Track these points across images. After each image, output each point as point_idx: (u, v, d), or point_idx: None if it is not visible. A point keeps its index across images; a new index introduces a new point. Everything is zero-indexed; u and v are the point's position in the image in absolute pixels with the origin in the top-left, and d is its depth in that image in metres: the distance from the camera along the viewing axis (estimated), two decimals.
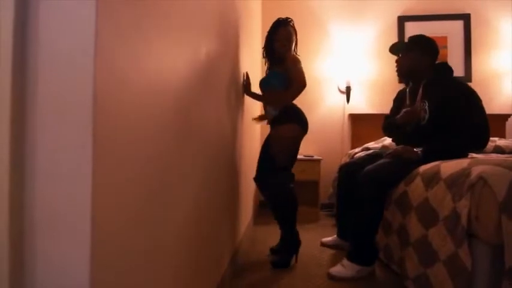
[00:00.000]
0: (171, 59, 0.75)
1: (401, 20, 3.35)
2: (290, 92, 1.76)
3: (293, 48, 1.86)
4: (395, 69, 1.86)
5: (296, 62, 1.78)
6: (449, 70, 1.73)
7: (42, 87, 0.46)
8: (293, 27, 1.88)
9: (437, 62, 1.79)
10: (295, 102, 1.89)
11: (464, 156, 1.64)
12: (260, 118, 2.17)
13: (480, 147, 1.59)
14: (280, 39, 1.83)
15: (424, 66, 1.74)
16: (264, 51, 1.96)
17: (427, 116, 1.65)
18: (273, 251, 1.96)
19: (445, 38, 3.29)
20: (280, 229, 1.86)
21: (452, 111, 1.58)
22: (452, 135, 1.57)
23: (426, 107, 1.66)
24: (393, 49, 1.87)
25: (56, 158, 0.46)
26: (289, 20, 1.88)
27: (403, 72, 1.82)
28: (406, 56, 1.79)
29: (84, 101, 0.45)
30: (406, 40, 1.88)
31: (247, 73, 2.02)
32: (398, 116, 1.76)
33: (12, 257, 0.45)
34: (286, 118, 1.79)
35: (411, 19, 3.33)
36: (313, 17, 3.42)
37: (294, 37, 1.86)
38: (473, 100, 1.58)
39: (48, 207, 0.46)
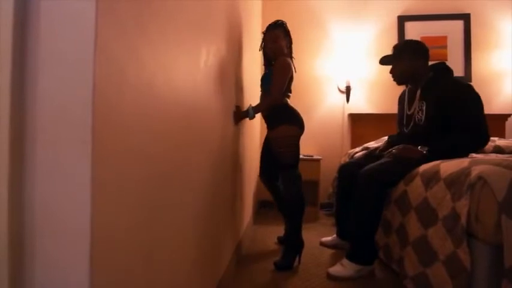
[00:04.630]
0: (174, 59, 0.75)
1: (401, 20, 3.35)
2: (263, 103, 1.82)
3: (284, 48, 1.87)
4: (392, 79, 1.88)
5: (279, 68, 1.78)
6: (447, 70, 1.74)
7: (42, 86, 0.46)
8: (281, 28, 1.89)
9: (436, 62, 1.79)
10: (293, 99, 1.93)
11: (466, 155, 1.65)
12: None
13: (481, 143, 1.58)
14: (267, 42, 1.90)
15: (418, 68, 1.75)
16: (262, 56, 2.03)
17: (423, 117, 1.68)
18: (281, 239, 2.11)
19: (444, 38, 3.30)
20: (286, 225, 1.92)
21: (451, 110, 1.59)
22: (455, 133, 1.58)
23: (424, 107, 1.68)
24: (383, 61, 1.89)
25: (56, 157, 0.46)
26: (279, 22, 1.90)
27: (399, 80, 1.85)
28: (397, 64, 1.82)
29: (84, 100, 0.45)
30: (405, 39, 1.88)
31: (237, 107, 1.82)
32: (395, 151, 1.71)
33: (11, 257, 0.45)
34: (282, 119, 1.82)
35: (411, 19, 3.33)
36: (313, 17, 3.42)
37: (282, 38, 1.88)
38: (470, 98, 1.59)
39: (47, 207, 0.46)
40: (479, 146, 1.60)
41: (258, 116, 3.05)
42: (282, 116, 1.82)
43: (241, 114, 1.75)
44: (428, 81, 1.73)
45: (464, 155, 1.61)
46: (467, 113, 1.57)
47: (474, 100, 1.59)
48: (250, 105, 1.80)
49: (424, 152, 1.61)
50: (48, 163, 0.46)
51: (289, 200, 1.84)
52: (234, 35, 1.66)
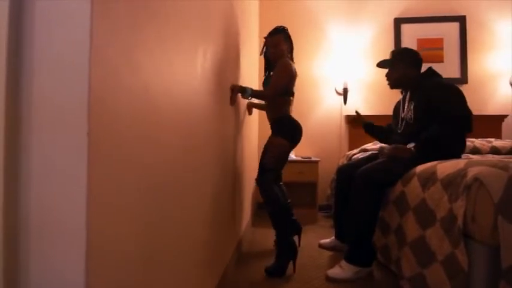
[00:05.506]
0: (170, 61, 0.75)
1: (398, 22, 3.37)
2: (261, 93, 1.94)
3: (285, 53, 1.92)
4: (387, 82, 1.96)
5: (280, 70, 1.85)
6: (433, 73, 1.82)
7: (37, 89, 0.46)
8: (283, 33, 1.93)
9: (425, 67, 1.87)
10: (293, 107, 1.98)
11: (455, 149, 1.70)
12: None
13: (464, 129, 1.64)
14: (269, 47, 1.96)
15: (411, 76, 1.85)
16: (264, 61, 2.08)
17: (412, 116, 1.77)
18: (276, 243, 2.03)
19: (441, 40, 3.32)
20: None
21: (436, 109, 1.65)
22: (436, 127, 1.63)
23: (412, 107, 1.77)
24: (381, 65, 1.98)
25: (51, 159, 0.46)
26: (280, 28, 1.95)
27: (393, 84, 1.95)
28: (393, 69, 1.91)
29: (79, 102, 0.45)
30: (402, 44, 1.93)
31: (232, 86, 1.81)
32: (387, 151, 1.77)
33: (6, 258, 0.44)
34: (280, 131, 1.89)
35: (407, 21, 3.36)
36: (311, 19, 3.44)
37: (283, 42, 1.92)
38: (452, 96, 1.67)
39: (43, 209, 0.46)
40: (462, 131, 1.65)
41: (256, 118, 3.04)
42: (282, 127, 1.90)
43: (238, 89, 1.74)
44: (416, 84, 1.81)
45: (452, 147, 1.67)
46: (448, 105, 1.64)
47: (457, 96, 1.66)
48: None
49: (412, 148, 1.65)
50: (44, 165, 0.46)
51: (264, 201, 1.83)
52: (232, 36, 1.67)
